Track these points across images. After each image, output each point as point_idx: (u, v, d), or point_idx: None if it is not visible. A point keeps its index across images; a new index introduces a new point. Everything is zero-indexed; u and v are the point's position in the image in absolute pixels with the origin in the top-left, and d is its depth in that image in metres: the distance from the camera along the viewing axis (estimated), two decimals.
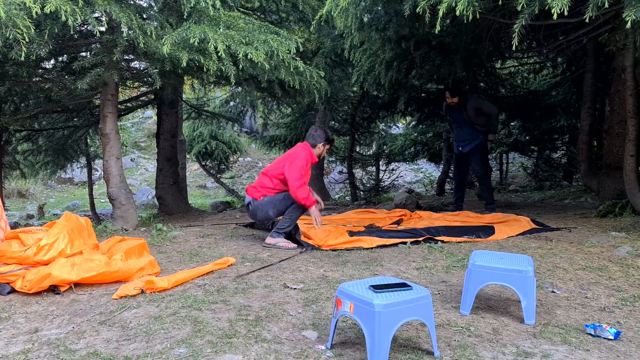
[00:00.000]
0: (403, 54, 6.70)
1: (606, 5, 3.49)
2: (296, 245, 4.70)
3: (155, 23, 5.26)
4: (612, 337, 2.61)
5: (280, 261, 4.11)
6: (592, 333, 2.67)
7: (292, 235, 4.90)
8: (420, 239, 4.77)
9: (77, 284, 3.44)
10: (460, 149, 6.70)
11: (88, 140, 10.93)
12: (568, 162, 11.39)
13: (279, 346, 2.49)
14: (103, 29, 5.18)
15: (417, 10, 4.27)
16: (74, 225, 3.75)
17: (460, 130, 6.67)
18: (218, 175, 17.70)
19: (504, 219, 5.57)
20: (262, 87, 7.47)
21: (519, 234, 4.98)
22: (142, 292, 3.28)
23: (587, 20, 3.70)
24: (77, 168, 12.70)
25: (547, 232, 5.11)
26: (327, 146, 5.01)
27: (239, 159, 21.49)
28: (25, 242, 3.55)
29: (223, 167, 17.71)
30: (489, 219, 5.65)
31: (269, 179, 4.83)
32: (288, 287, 3.42)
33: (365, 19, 6.27)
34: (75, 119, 9.37)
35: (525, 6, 3.78)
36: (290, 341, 2.56)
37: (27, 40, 4.30)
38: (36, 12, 4.18)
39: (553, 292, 3.33)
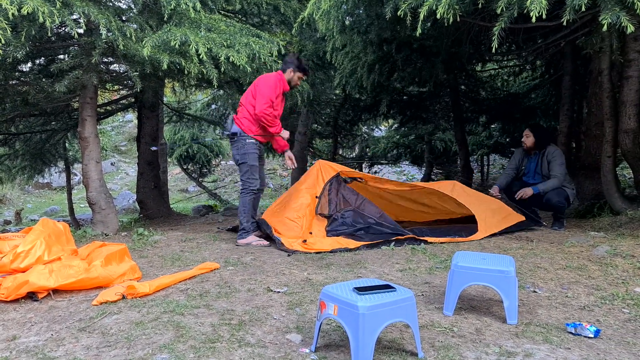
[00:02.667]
0: (385, 57, 6.74)
1: (583, 8, 3.55)
2: (268, 242, 4.85)
3: (135, 25, 5.20)
4: (592, 335, 2.64)
5: (288, 255, 4.09)
6: (573, 332, 2.70)
7: (264, 233, 5.01)
8: (403, 237, 4.77)
9: (56, 291, 3.37)
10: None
11: (66, 144, 10.76)
12: None
13: (263, 350, 2.47)
14: (81, 30, 5.10)
15: (399, 13, 4.30)
16: (51, 231, 3.68)
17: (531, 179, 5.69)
18: (200, 179, 17.59)
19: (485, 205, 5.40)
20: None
21: (502, 230, 5.04)
22: (123, 297, 3.23)
23: (564, 24, 3.76)
24: (55, 172, 12.49)
25: (529, 228, 5.16)
26: (299, 74, 4.98)
27: (221, 162, 21.40)
28: (1, 249, 3.48)
29: (205, 170, 17.61)
30: (464, 199, 5.38)
31: (245, 109, 4.92)
32: (272, 290, 3.40)
33: (347, 22, 6.29)
34: (53, 123, 9.21)
35: (504, 9, 3.83)
36: (274, 345, 2.54)
37: (3, 42, 4.21)
38: (12, 14, 4.10)
39: (534, 291, 3.37)
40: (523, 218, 5.28)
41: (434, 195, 5.71)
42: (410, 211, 6.02)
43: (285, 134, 5.06)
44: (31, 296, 3.30)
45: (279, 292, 3.37)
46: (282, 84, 4.92)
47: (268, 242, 4.87)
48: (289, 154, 5.23)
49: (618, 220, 5.19)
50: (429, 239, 4.80)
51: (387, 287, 2.43)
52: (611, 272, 3.63)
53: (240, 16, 7.95)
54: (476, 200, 5.38)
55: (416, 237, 4.82)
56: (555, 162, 5.43)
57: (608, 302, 3.15)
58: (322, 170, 5.26)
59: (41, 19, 4.21)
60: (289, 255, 4.43)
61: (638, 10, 3.48)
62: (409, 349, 2.49)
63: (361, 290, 2.37)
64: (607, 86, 5.52)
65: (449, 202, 5.66)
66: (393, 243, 4.72)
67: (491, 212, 5.23)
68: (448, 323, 2.84)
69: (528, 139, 5.65)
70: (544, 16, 3.60)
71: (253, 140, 4.93)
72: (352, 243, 4.68)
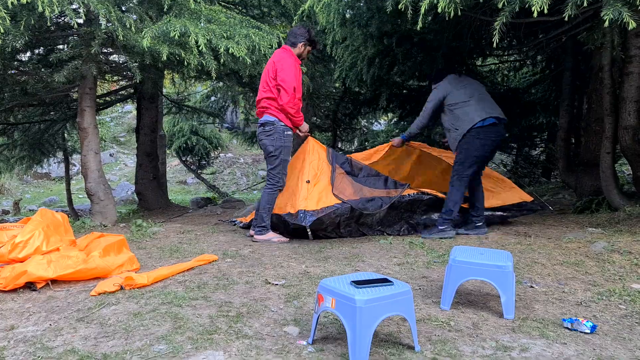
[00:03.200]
0: (385, 51, 6.71)
1: (585, 4, 3.54)
2: (288, 239, 4.76)
3: (135, 16, 5.18)
4: (588, 331, 2.65)
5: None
6: (569, 327, 2.71)
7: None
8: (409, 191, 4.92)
9: (54, 281, 3.38)
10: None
11: (65, 134, 10.75)
12: (547, 159, 11.56)
13: (261, 342, 2.48)
14: (81, 20, 5.09)
15: (400, 6, 4.28)
16: (50, 221, 3.68)
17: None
18: (199, 171, 17.57)
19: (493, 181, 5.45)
20: (243, 82, 7.43)
21: (504, 206, 5.12)
22: (121, 288, 3.24)
23: (566, 19, 3.74)
24: (54, 163, 12.49)
25: (531, 211, 5.20)
26: (309, 48, 4.79)
27: (220, 154, 21.37)
28: None
29: (204, 162, 17.59)
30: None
31: (269, 90, 4.66)
32: (269, 283, 3.41)
33: (348, 15, 6.26)
34: (52, 113, 9.20)
35: (506, 4, 3.81)
36: (272, 337, 2.55)
37: (2, 31, 4.20)
38: (12, 3, 4.08)
39: (531, 287, 3.38)
40: (531, 198, 5.26)
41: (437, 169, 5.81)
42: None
43: (305, 127, 4.92)
44: (29, 286, 3.30)
45: (276, 284, 3.38)
46: (298, 63, 4.71)
47: (288, 239, 4.77)
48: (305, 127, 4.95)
49: (616, 216, 5.19)
50: (433, 191, 4.96)
51: (384, 281, 2.44)
52: (608, 268, 3.64)
53: (240, 8, 7.93)
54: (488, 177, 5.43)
55: (422, 190, 4.98)
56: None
57: (605, 297, 3.16)
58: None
59: (40, 8, 4.19)
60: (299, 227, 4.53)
61: None
62: (406, 343, 2.50)
63: (359, 283, 2.38)
64: (608, 82, 5.51)
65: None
66: (391, 237, 4.73)
67: (494, 184, 5.32)
68: (445, 317, 2.85)
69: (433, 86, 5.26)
70: (545, 11, 3.58)
71: (291, 132, 4.74)
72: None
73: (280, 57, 4.63)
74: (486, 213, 5.11)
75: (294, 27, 4.82)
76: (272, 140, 4.67)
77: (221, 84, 11.33)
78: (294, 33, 4.71)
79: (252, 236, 4.85)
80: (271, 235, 4.79)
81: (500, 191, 5.32)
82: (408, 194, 4.98)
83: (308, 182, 4.77)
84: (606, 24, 3.60)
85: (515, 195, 5.27)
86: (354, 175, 5.02)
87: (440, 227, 4.83)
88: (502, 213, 5.25)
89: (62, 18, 5.81)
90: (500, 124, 4.93)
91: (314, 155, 5.02)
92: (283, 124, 4.65)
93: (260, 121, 4.78)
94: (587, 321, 2.70)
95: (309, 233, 4.65)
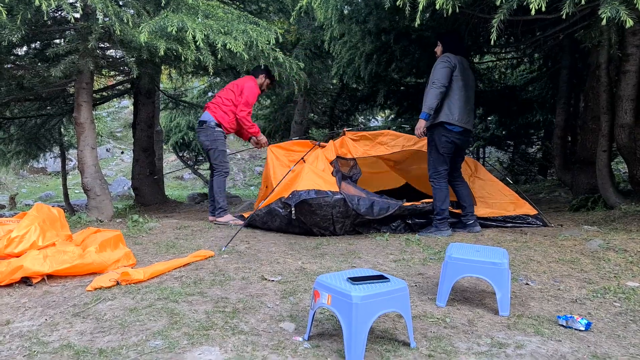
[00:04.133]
0: (383, 47, 6.70)
1: (582, 2, 3.54)
2: (242, 222, 5.27)
3: (132, 10, 5.16)
4: (583, 328, 2.67)
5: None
6: (564, 324, 2.72)
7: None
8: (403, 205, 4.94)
9: (50, 276, 3.37)
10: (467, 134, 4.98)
11: (62, 129, 10.71)
12: (543, 156, 11.59)
13: (257, 338, 2.49)
14: (78, 15, 5.06)
15: (398, 3, 4.28)
16: (46, 216, 3.67)
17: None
18: (195, 167, 17.54)
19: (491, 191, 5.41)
20: (241, 77, 7.39)
21: (505, 216, 5.11)
22: (118, 283, 3.24)
23: (564, 17, 3.75)
24: (51, 158, 12.48)
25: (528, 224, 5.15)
26: (267, 81, 5.77)
27: None
28: None
29: (201, 158, 17.55)
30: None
31: (223, 102, 5.57)
32: (266, 279, 3.41)
33: (346, 11, 6.25)
34: (48, 108, 9.17)
35: (504, 1, 3.81)
36: (268, 333, 2.56)
37: None
38: None
39: (527, 284, 3.39)
40: (535, 211, 5.17)
41: None
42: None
43: (262, 138, 5.89)
44: (25, 281, 3.29)
45: (273, 280, 3.38)
46: (257, 89, 5.67)
47: (242, 222, 5.26)
48: (254, 139, 5.91)
49: (612, 214, 5.21)
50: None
51: (380, 278, 2.44)
52: (604, 266, 3.66)
53: (238, 3, 7.90)
54: (490, 185, 5.42)
55: (423, 201, 5.02)
56: (436, 67, 4.77)
57: (600, 295, 3.18)
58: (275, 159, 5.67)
59: (37, 2, 4.17)
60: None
61: (637, 5, 3.47)
62: (402, 339, 2.51)
63: (355, 280, 2.38)
64: (605, 80, 5.52)
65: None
66: (387, 233, 4.75)
67: (501, 196, 5.31)
68: (441, 314, 2.86)
69: (438, 48, 4.98)
70: (543, 9, 3.58)
71: (220, 129, 5.53)
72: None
73: (248, 82, 5.62)
74: (486, 222, 5.11)
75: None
76: (206, 136, 5.52)
77: (218, 79, 11.30)
78: (256, 68, 5.70)
79: (214, 221, 5.52)
80: (229, 218, 5.51)
81: (505, 203, 5.28)
82: (408, 206, 4.99)
83: (303, 160, 5.26)
84: (604, 22, 3.60)
85: (519, 208, 5.21)
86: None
87: (436, 227, 4.84)
88: (497, 223, 5.18)
89: (59, 12, 5.78)
90: (467, 133, 4.88)
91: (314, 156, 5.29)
92: (215, 121, 5.52)
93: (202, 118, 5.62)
94: (582, 318, 2.72)
95: (293, 212, 4.81)
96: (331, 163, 5.24)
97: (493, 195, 5.37)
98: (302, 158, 5.29)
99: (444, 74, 4.69)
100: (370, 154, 5.58)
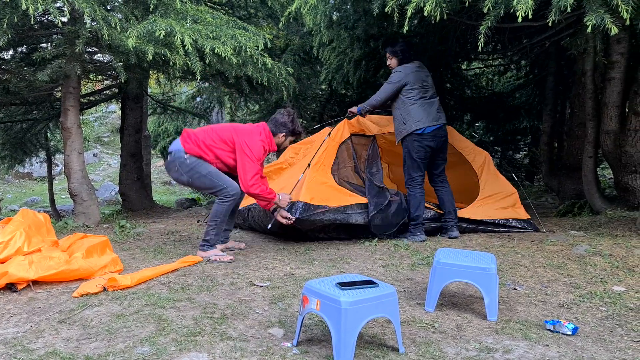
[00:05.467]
0: (371, 53, 6.74)
1: (569, 9, 3.58)
2: (232, 258, 4.07)
3: (120, 15, 5.14)
4: (570, 333, 2.69)
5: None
6: (552, 329, 2.74)
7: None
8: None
9: (36, 282, 3.33)
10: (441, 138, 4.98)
11: (48, 134, 10.60)
12: (530, 162, 11.68)
13: (245, 344, 2.47)
14: (65, 19, 5.03)
15: (386, 9, 4.30)
16: (31, 221, 3.63)
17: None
18: None
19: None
20: (229, 83, 7.41)
21: (496, 219, 5.10)
22: (104, 289, 3.20)
23: (550, 24, 3.79)
24: (37, 162, 12.32)
25: (519, 230, 5.15)
26: (291, 138, 4.29)
27: None
28: None
29: None
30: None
31: (211, 141, 4.03)
32: (254, 284, 3.40)
33: (334, 17, 6.28)
34: (34, 112, 9.08)
35: (491, 8, 3.85)
36: (256, 339, 2.54)
37: None
38: None
39: (515, 289, 3.41)
40: (528, 216, 5.19)
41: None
42: None
43: (285, 199, 4.25)
44: (10, 287, 3.25)
45: (261, 286, 3.37)
46: (270, 145, 4.14)
47: (231, 257, 4.08)
48: (279, 212, 4.29)
49: (598, 219, 5.27)
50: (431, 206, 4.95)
51: (369, 283, 2.44)
52: (590, 271, 3.69)
53: (227, 8, 7.90)
54: (493, 180, 5.36)
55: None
56: (389, 81, 4.90)
57: (586, 300, 3.21)
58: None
59: (24, 6, 4.14)
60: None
61: (622, 13, 3.52)
62: (390, 344, 2.51)
63: (344, 285, 2.38)
64: (590, 87, 5.59)
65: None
66: (376, 239, 4.74)
67: (499, 195, 5.28)
68: (429, 319, 2.87)
69: (392, 61, 5.05)
70: (530, 16, 3.62)
71: (189, 155, 4.02)
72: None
73: (249, 136, 4.05)
74: (480, 225, 5.13)
75: (278, 112, 4.26)
76: (176, 170, 4.05)
77: (207, 84, 11.28)
78: (276, 121, 4.20)
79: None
80: (212, 253, 4.08)
81: (501, 204, 5.27)
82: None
83: (309, 166, 4.81)
84: (589, 29, 3.65)
85: (514, 212, 5.21)
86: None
87: (410, 232, 4.87)
88: (492, 227, 5.19)
89: (46, 16, 5.74)
90: (441, 128, 4.90)
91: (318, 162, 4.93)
92: (183, 151, 4.01)
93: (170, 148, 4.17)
94: (569, 323, 2.74)
95: (271, 223, 4.51)
96: (341, 145, 5.08)
97: (496, 186, 5.35)
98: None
99: (390, 90, 4.88)
100: (387, 131, 5.39)
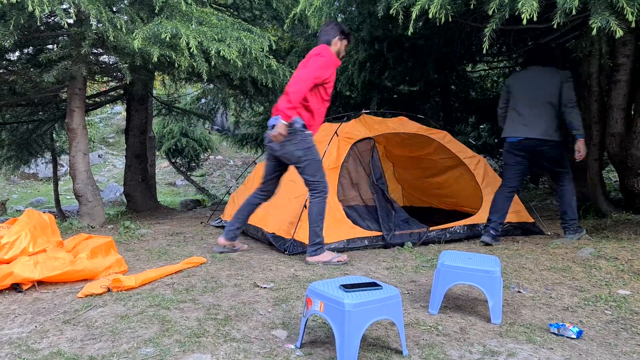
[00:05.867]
0: (376, 55, 6.74)
1: (574, 12, 3.58)
2: (347, 258, 4.05)
3: (126, 17, 5.16)
4: (574, 336, 2.68)
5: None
6: (556, 332, 2.73)
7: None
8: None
9: (41, 283, 3.34)
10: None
11: (54, 135, 10.64)
12: None
13: (248, 345, 2.47)
14: (71, 21, 5.05)
15: (391, 11, 4.30)
16: (37, 222, 3.64)
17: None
18: (188, 173, 17.49)
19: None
20: (234, 84, 7.41)
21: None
22: (109, 290, 3.22)
23: (555, 27, 3.78)
24: (42, 163, 12.36)
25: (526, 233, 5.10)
26: (345, 41, 4.12)
27: (210, 157, 21.29)
28: None
29: (193, 164, 17.50)
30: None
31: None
32: (258, 286, 3.40)
33: (339, 19, 6.28)
34: (40, 113, 9.12)
35: (496, 11, 3.84)
36: (260, 340, 2.54)
37: None
38: (1, 2, 4.05)
39: (519, 292, 3.40)
40: (532, 220, 5.13)
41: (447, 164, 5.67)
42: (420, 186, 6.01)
43: (279, 126, 3.80)
44: (15, 287, 3.27)
45: (265, 287, 3.37)
46: (334, 60, 4.03)
47: (347, 258, 4.07)
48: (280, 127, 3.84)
49: (603, 222, 5.25)
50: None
51: (373, 285, 2.44)
52: (595, 274, 3.68)
53: (232, 10, 7.92)
54: (493, 183, 5.28)
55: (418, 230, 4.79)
56: (570, 85, 4.60)
57: (591, 303, 3.19)
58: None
59: (30, 8, 4.16)
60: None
61: (627, 16, 3.51)
62: (394, 347, 2.51)
63: (347, 287, 2.38)
64: (596, 90, 5.57)
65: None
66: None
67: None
68: (433, 321, 2.86)
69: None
70: (535, 18, 3.62)
71: (310, 133, 4.00)
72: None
73: (317, 51, 4.00)
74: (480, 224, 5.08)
75: (322, 26, 4.19)
76: (296, 144, 3.93)
77: (212, 86, 11.29)
78: (324, 31, 4.11)
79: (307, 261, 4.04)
80: (330, 256, 4.01)
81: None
82: (431, 231, 4.80)
83: (305, 207, 4.35)
84: (594, 32, 3.64)
85: (519, 217, 5.14)
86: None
87: (572, 229, 4.75)
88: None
89: (52, 18, 5.77)
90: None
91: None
92: (305, 126, 3.95)
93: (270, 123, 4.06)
94: (574, 326, 2.73)
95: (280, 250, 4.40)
96: (348, 152, 4.90)
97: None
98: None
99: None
100: (384, 132, 5.26)
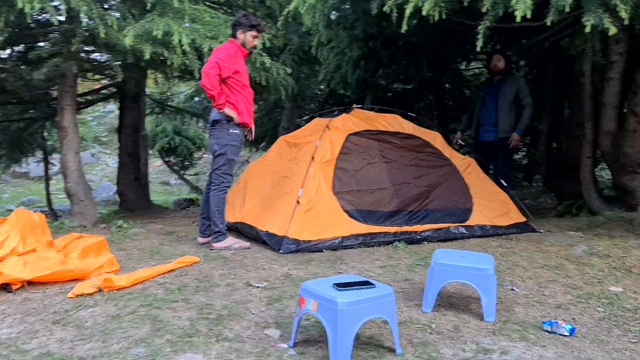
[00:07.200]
0: (370, 53, 6.73)
1: (567, 9, 3.58)
2: (248, 244, 4.42)
3: (117, 14, 5.12)
4: (567, 334, 2.68)
5: None
6: (549, 329, 2.73)
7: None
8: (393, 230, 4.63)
9: (31, 283, 3.30)
10: (483, 135, 6.10)
11: (45, 133, 10.55)
12: (528, 163, 11.66)
13: (241, 345, 2.46)
14: (62, 18, 5.00)
15: (385, 9, 4.29)
16: (26, 221, 3.61)
17: (490, 112, 5.96)
18: (182, 172, 17.41)
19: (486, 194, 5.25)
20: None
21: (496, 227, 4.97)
22: (100, 290, 3.18)
23: (548, 24, 3.78)
24: (33, 162, 12.27)
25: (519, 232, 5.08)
26: (251, 32, 4.33)
27: (204, 155, 21.21)
28: None
29: (187, 163, 17.40)
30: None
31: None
32: (251, 285, 3.38)
33: (333, 17, 6.26)
34: (31, 111, 9.02)
35: (490, 9, 3.84)
36: (252, 340, 2.53)
37: None
38: None
39: (512, 290, 3.40)
40: (523, 219, 5.11)
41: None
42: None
43: (231, 113, 4.27)
44: (5, 287, 3.23)
45: (258, 287, 3.35)
46: (238, 49, 4.34)
47: (248, 244, 4.47)
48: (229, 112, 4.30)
49: (596, 220, 5.26)
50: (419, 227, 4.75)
51: (366, 284, 2.43)
52: (588, 272, 3.68)
53: (225, 8, 7.86)
54: (482, 185, 5.26)
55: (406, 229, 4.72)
56: (525, 90, 5.82)
57: (584, 300, 3.20)
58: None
59: (20, 5, 4.12)
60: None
61: (620, 13, 3.51)
62: (387, 345, 2.50)
63: (341, 286, 2.37)
64: (589, 88, 5.58)
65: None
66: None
67: (493, 203, 5.15)
68: (426, 320, 2.85)
69: (500, 62, 5.87)
70: (528, 16, 3.62)
71: (238, 131, 4.36)
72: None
73: (216, 48, 4.43)
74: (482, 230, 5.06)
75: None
76: (217, 138, 4.35)
77: None
78: (232, 24, 4.45)
79: (201, 244, 4.53)
80: (231, 242, 4.44)
81: (496, 212, 5.15)
82: (422, 231, 4.75)
83: (298, 203, 4.40)
84: (588, 29, 3.64)
85: (510, 218, 5.12)
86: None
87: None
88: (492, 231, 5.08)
89: (43, 15, 5.71)
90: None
91: (314, 181, 4.59)
92: (230, 122, 4.31)
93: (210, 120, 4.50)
94: (566, 324, 2.73)
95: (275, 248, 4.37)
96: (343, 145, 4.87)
97: (487, 193, 5.26)
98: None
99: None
100: (379, 127, 5.23)
